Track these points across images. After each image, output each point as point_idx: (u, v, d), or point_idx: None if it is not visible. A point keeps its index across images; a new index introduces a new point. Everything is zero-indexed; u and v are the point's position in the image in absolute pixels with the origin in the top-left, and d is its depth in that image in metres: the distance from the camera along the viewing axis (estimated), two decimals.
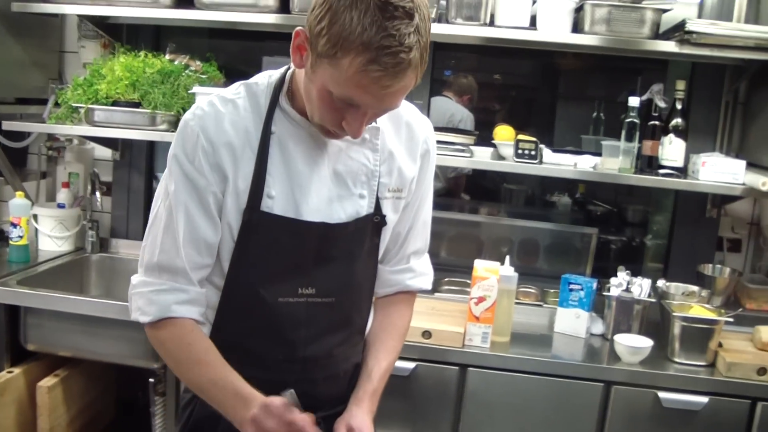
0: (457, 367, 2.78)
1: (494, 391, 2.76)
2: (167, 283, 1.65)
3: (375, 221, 1.77)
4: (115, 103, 3.04)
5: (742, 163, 2.96)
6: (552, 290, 3.35)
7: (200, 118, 1.61)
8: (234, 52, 3.79)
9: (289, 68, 1.69)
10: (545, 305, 3.28)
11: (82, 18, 3.41)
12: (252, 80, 1.69)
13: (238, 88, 1.68)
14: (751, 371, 2.71)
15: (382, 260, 1.89)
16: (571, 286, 3.02)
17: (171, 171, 1.63)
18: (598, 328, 3.06)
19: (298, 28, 1.50)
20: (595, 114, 3.93)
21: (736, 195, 3.00)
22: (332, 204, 1.70)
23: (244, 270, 1.68)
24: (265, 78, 1.69)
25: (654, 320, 3.03)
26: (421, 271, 1.98)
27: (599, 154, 3.09)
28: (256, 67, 3.66)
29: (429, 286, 2.02)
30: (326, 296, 1.74)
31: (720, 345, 2.82)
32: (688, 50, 2.90)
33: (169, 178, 1.64)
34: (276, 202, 1.65)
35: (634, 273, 3.09)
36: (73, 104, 3.06)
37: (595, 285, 3.01)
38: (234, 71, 3.39)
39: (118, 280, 3.49)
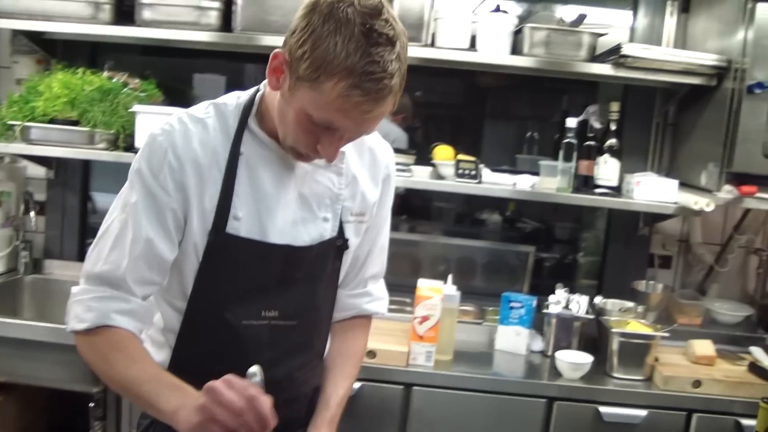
0: (401, 386, 2.79)
1: (439, 410, 2.78)
2: (108, 291, 1.60)
3: (338, 245, 1.78)
4: (52, 121, 2.98)
5: (675, 182, 3.07)
6: (491, 308, 3.39)
7: (169, 134, 1.59)
8: (165, 69, 3.74)
9: (258, 90, 1.69)
10: (485, 323, 3.32)
11: (17, 33, 3.33)
12: (220, 100, 1.68)
13: (207, 108, 1.67)
14: (686, 384, 2.80)
15: (340, 284, 1.89)
16: (512, 304, 3.08)
17: (133, 185, 1.60)
18: (538, 345, 3.12)
19: (276, 50, 1.51)
20: (528, 134, 4.02)
21: (669, 213, 3.10)
22: (297, 227, 1.70)
23: (209, 292, 1.66)
24: (234, 99, 1.69)
25: (592, 336, 3.10)
26: (377, 296, 1.99)
27: (533, 173, 3.16)
28: (187, 83, 3.65)
29: (385, 311, 2.03)
30: (289, 319, 1.73)
31: (656, 359, 2.90)
32: (623, 73, 3.00)
33: (129, 191, 1.61)
34: (242, 224, 1.64)
35: (569, 290, 3.16)
36: (9, 122, 2.98)
37: (534, 303, 3.06)
38: (168, 89, 3.36)
39: (52, 302, 3.40)
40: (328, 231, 1.74)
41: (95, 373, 1.65)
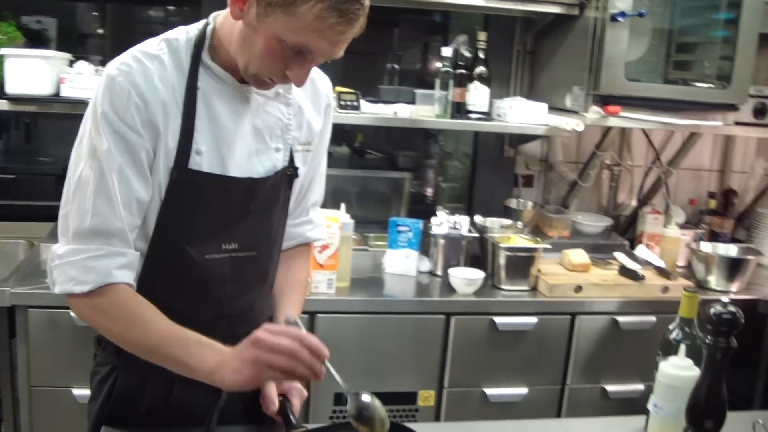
0: (305, 315, 2.87)
1: (343, 335, 2.89)
2: (104, 248, 1.57)
3: (288, 174, 1.81)
4: None
5: (544, 105, 3.28)
6: (372, 234, 3.52)
7: (128, 74, 1.56)
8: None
9: (207, 24, 1.68)
10: (370, 249, 3.43)
11: None
12: (171, 35, 1.65)
13: (159, 44, 1.63)
14: (569, 290, 3.06)
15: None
16: (399, 228, 3.21)
17: (101, 130, 1.55)
18: (426, 265, 3.27)
19: None
20: (389, 65, 4.13)
21: (540, 134, 3.32)
22: (252, 159, 1.72)
23: (172, 229, 1.65)
24: (183, 34, 1.66)
25: (474, 253, 3.30)
26: (318, 222, 2.04)
27: (394, 102, 3.29)
28: None
29: (325, 237, 2.09)
30: (248, 250, 1.76)
31: (539, 270, 3.14)
32: (493, 4, 3.15)
33: (98, 137, 1.55)
34: (204, 158, 1.63)
35: (449, 212, 3.33)
36: None
37: (421, 226, 3.21)
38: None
39: None
40: (280, 161, 1.77)
41: (102, 334, 1.65)
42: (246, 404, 1.81)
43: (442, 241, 3.21)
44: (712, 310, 1.64)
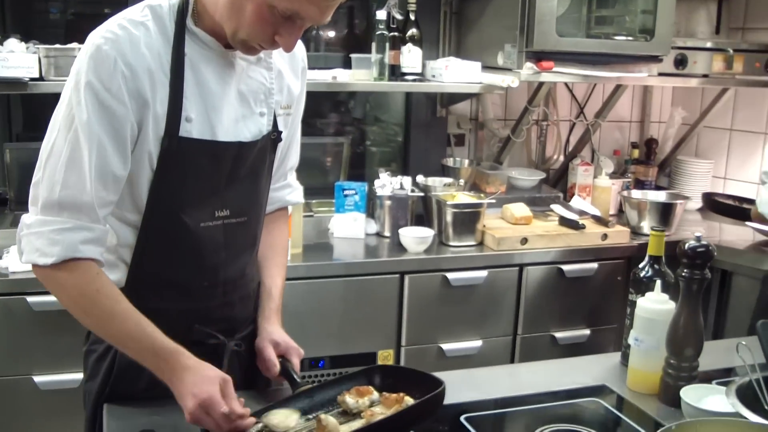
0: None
1: (301, 300, 2.92)
2: (71, 221, 1.55)
3: (272, 138, 1.83)
4: None
5: (478, 64, 3.35)
6: (314, 200, 3.54)
7: (114, 42, 1.53)
8: None
9: None
10: (316, 214, 3.46)
11: None
12: (154, 2, 1.64)
13: (143, 11, 1.61)
14: (515, 242, 3.16)
15: None
16: (346, 192, 3.24)
17: (83, 99, 1.52)
18: (372, 227, 3.32)
19: None
20: (313, 32, 4.12)
21: (475, 93, 3.39)
22: (238, 124, 1.72)
23: (165, 198, 1.65)
24: (165, 0, 1.66)
25: (418, 213, 3.36)
26: (296, 186, 2.07)
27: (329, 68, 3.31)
28: None
29: (302, 200, 2.12)
30: (239, 216, 1.77)
31: (484, 225, 3.22)
32: None
33: (78, 107, 1.53)
34: (194, 125, 1.63)
35: (376, 175, 3.39)
36: None
37: (366, 188, 3.25)
38: None
39: None
40: (264, 125, 1.78)
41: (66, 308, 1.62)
42: (244, 371, 1.83)
43: (388, 203, 3.26)
44: (687, 245, 1.75)
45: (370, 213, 3.33)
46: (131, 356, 1.59)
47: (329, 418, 1.47)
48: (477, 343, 3.15)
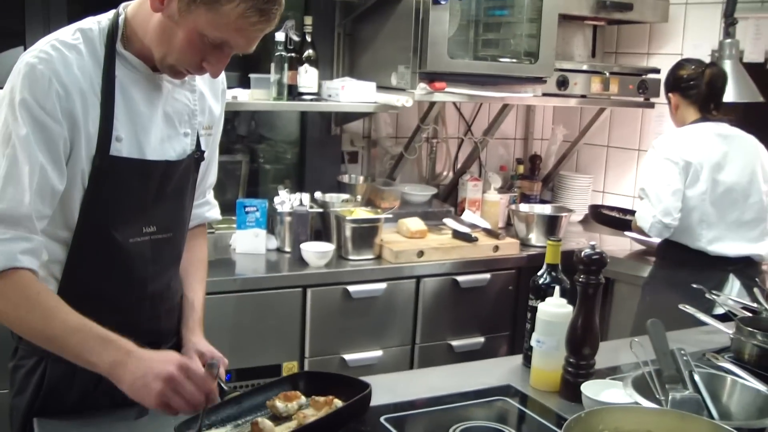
0: None
1: (206, 316, 2.92)
2: (9, 232, 1.57)
3: (195, 157, 1.90)
4: None
5: (373, 84, 3.48)
6: None
7: (48, 62, 1.58)
8: None
9: (118, 14, 1.72)
10: (217, 231, 3.49)
11: None
12: (85, 25, 1.68)
13: (75, 34, 1.66)
14: (412, 255, 3.29)
15: None
16: (247, 209, 3.31)
17: (19, 117, 1.56)
18: (273, 243, 3.39)
19: None
20: None
21: (370, 112, 3.52)
22: (164, 143, 1.79)
23: (97, 215, 1.69)
24: (95, 24, 1.70)
25: (317, 228, 3.45)
26: (213, 203, 2.14)
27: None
28: None
29: (220, 216, 2.19)
30: (165, 232, 1.83)
31: (381, 240, 3.34)
32: None
33: (14, 123, 1.56)
34: (123, 144, 1.69)
35: (272, 192, 3.47)
36: None
37: (266, 205, 3.33)
38: None
39: None
40: (189, 145, 1.85)
41: (2, 320, 1.62)
42: None
43: (288, 219, 3.34)
44: (582, 253, 1.91)
45: (270, 229, 3.40)
46: (74, 355, 1.58)
47: (265, 421, 1.55)
48: (378, 353, 3.26)
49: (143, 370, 1.53)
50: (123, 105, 1.69)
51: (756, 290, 2.43)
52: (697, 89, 3.19)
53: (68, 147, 1.63)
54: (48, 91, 1.57)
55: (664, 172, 3.13)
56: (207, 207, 2.11)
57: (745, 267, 3.15)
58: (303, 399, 1.70)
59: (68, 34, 1.66)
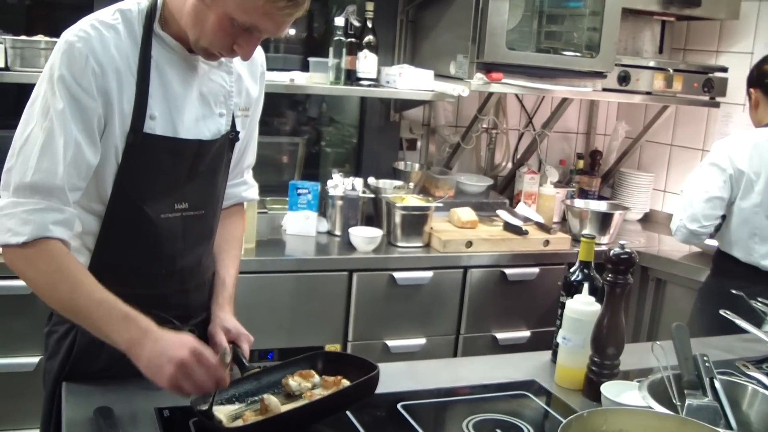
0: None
1: (253, 294, 3.01)
2: (42, 203, 1.63)
3: (230, 138, 1.94)
4: None
5: (431, 72, 3.48)
6: (268, 198, 3.63)
7: (87, 41, 1.64)
8: None
9: None
10: (270, 212, 3.55)
11: None
12: (124, 6, 1.74)
13: (114, 14, 1.72)
14: (461, 245, 3.29)
15: None
16: (299, 191, 3.35)
17: (57, 92, 1.63)
18: (324, 226, 3.43)
19: None
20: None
21: (427, 100, 3.52)
22: (199, 123, 1.84)
23: (129, 190, 1.75)
24: (134, 5, 1.75)
25: (368, 214, 3.48)
26: (252, 183, 2.19)
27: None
28: None
29: (257, 197, 2.23)
30: (197, 209, 1.88)
31: (431, 228, 3.35)
32: None
33: (52, 98, 1.63)
34: (157, 123, 1.74)
35: (329, 175, 3.49)
36: None
37: (319, 188, 3.36)
38: None
39: None
40: (223, 125, 1.90)
41: (31, 288, 1.69)
42: None
43: (339, 203, 3.38)
44: (612, 252, 1.89)
45: (322, 212, 3.44)
46: (96, 328, 1.63)
47: (271, 398, 1.59)
48: (421, 341, 3.28)
49: (158, 351, 1.57)
50: (158, 84, 1.74)
51: None
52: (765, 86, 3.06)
53: (102, 123, 1.69)
54: (84, 68, 1.63)
55: (705, 177, 3.03)
56: (244, 187, 2.15)
57: None
58: (316, 378, 1.73)
59: (108, 14, 1.72)
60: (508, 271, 3.35)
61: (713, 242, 3.17)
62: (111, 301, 1.62)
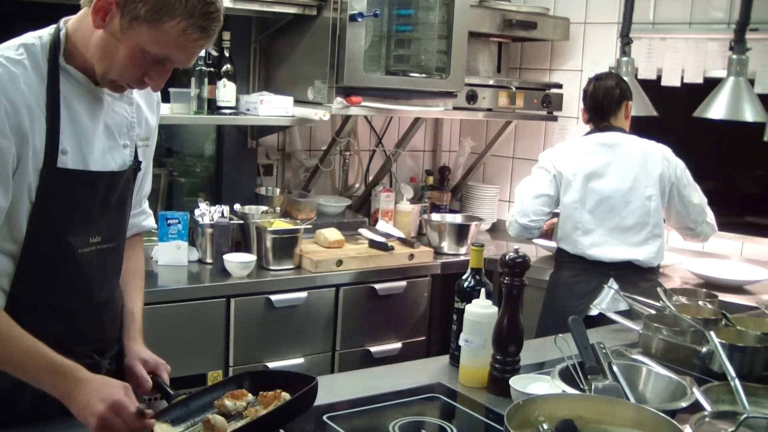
0: None
1: None
2: None
3: (134, 168, 1.95)
4: None
5: (290, 99, 3.57)
6: None
7: None
8: None
9: (59, 29, 1.77)
10: None
11: None
12: (27, 41, 1.72)
13: (18, 49, 1.69)
14: (331, 264, 3.40)
15: None
16: (169, 221, 3.35)
17: None
18: (194, 255, 3.44)
19: None
20: None
21: (288, 125, 3.62)
22: (106, 155, 1.84)
23: (46, 226, 1.73)
24: (37, 39, 1.73)
25: (237, 240, 3.52)
26: (149, 212, 2.20)
27: None
28: None
29: (155, 225, 2.25)
30: (110, 242, 1.88)
31: (300, 249, 3.43)
32: (239, 5, 3.38)
33: None
34: (69, 157, 1.73)
35: (188, 205, 3.53)
36: None
37: (188, 217, 3.37)
38: None
39: None
40: (128, 156, 1.91)
41: None
42: None
43: (209, 230, 3.40)
44: (507, 257, 2.06)
45: (191, 241, 3.45)
46: (28, 379, 1.64)
47: (217, 417, 1.63)
48: (299, 360, 3.35)
49: (84, 402, 1.61)
50: (67, 118, 1.74)
51: (659, 290, 2.63)
52: (586, 102, 3.39)
53: (15, 162, 1.66)
54: None
55: (533, 179, 3.38)
56: (143, 216, 2.17)
57: (635, 272, 3.24)
58: (250, 396, 1.79)
59: (12, 50, 1.70)
60: (377, 286, 3.49)
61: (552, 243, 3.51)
62: (38, 351, 1.63)
